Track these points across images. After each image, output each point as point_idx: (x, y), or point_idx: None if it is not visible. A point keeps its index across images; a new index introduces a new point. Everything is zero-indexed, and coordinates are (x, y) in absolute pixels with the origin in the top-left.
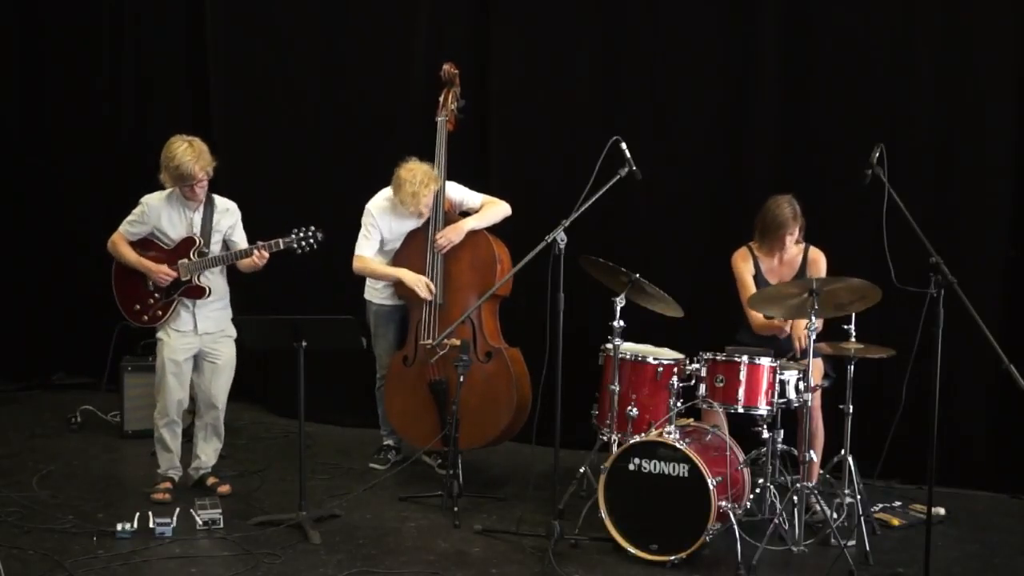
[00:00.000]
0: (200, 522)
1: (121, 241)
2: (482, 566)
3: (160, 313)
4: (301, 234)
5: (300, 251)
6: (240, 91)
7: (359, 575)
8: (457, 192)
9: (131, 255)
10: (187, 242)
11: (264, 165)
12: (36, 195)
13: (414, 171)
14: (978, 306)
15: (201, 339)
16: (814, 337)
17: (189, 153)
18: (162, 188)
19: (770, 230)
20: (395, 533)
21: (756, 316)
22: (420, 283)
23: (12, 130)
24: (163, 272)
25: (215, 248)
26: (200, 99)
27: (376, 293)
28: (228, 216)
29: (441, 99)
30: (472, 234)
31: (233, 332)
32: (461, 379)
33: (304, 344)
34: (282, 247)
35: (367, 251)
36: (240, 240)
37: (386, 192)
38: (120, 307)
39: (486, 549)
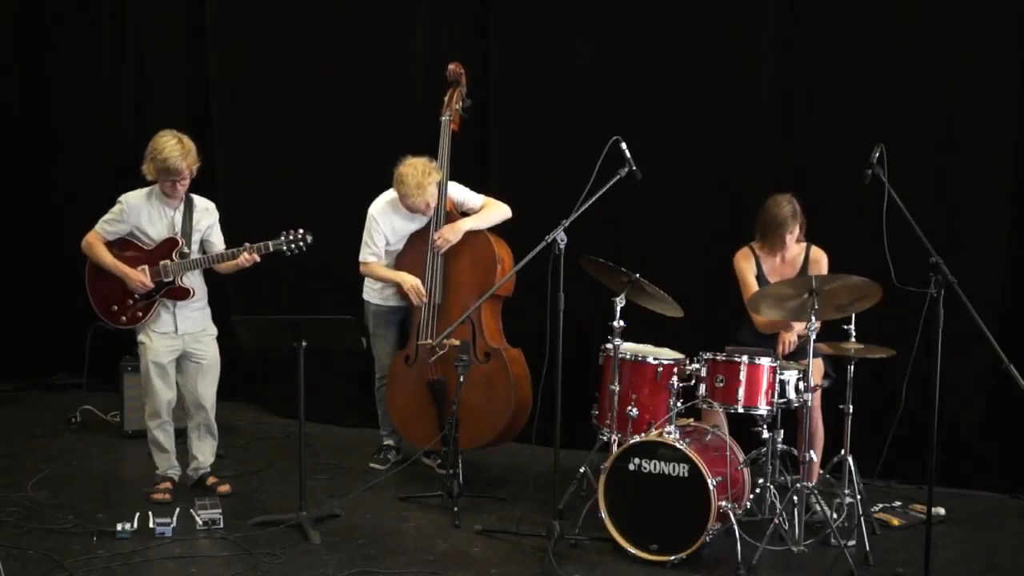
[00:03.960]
0: (200, 522)
1: (97, 242)
2: (482, 566)
3: (140, 314)
4: (290, 236)
5: (289, 253)
6: (240, 91)
7: (359, 575)
8: (459, 193)
9: (108, 258)
10: (169, 243)
11: (264, 165)
12: (36, 195)
13: (414, 164)
14: (978, 306)
15: (183, 339)
16: (814, 337)
17: (178, 149)
18: (141, 186)
19: (770, 229)
20: (395, 533)
21: (761, 316)
22: (412, 288)
23: (11, 130)
24: (140, 280)
25: (194, 248)
26: (200, 99)
27: (374, 293)
28: (207, 215)
29: (446, 99)
30: (473, 234)
31: (215, 331)
32: (461, 379)
33: (304, 344)
34: (271, 249)
35: (370, 258)
36: (217, 241)
37: (386, 195)
38: (95, 308)
39: (486, 549)
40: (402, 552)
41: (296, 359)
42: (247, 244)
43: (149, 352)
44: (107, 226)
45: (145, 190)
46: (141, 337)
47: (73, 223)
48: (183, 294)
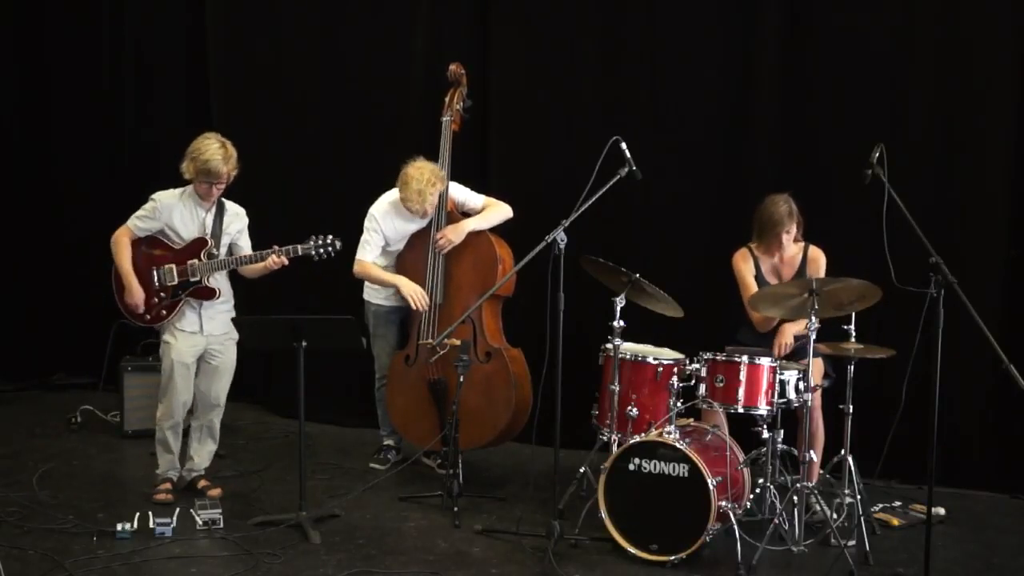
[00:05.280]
0: (200, 522)
1: (124, 240)
2: (482, 566)
3: (164, 312)
4: (320, 242)
5: (317, 259)
6: (240, 91)
7: (359, 575)
8: (459, 193)
9: (124, 263)
10: (198, 243)
11: (264, 166)
12: (36, 195)
13: (422, 169)
14: (978, 306)
15: (207, 340)
16: (814, 337)
17: (220, 152)
18: (166, 185)
19: (766, 229)
20: (395, 533)
21: (758, 316)
22: (415, 294)
23: (11, 130)
24: (136, 302)
25: (222, 250)
26: (200, 99)
27: (375, 293)
28: (238, 220)
29: (447, 99)
30: (474, 234)
31: (236, 335)
32: (461, 379)
33: (304, 344)
34: (300, 253)
35: (368, 256)
36: (245, 245)
37: (389, 196)
38: (120, 305)
39: (486, 549)
40: (402, 552)
41: (296, 359)
42: (275, 247)
43: (173, 351)
44: (139, 223)
45: (178, 190)
46: (166, 337)
47: (74, 223)
48: (209, 294)
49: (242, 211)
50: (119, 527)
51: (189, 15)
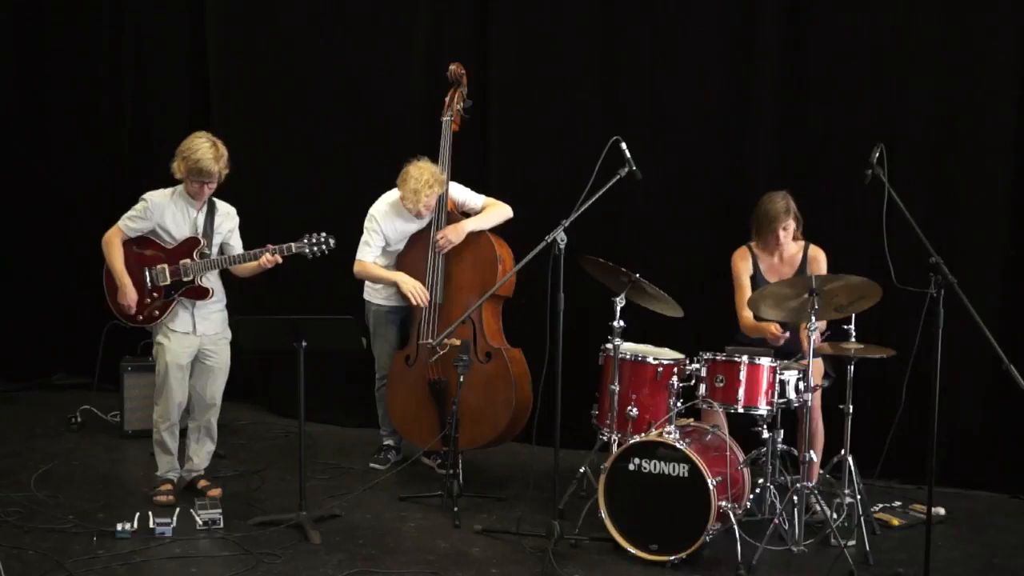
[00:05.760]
0: (200, 522)
1: (116, 240)
2: (482, 566)
3: (157, 313)
4: (313, 239)
5: (311, 256)
6: (240, 91)
7: (359, 575)
8: (460, 193)
9: (117, 263)
10: (191, 242)
11: (264, 165)
12: (35, 195)
13: (423, 169)
14: (978, 306)
15: (200, 340)
16: (815, 337)
17: (211, 152)
18: (165, 184)
19: (763, 224)
20: (395, 533)
21: (747, 317)
22: (415, 290)
23: (11, 130)
24: (129, 302)
25: (213, 250)
26: (200, 99)
27: (376, 293)
28: (229, 220)
29: (447, 99)
30: (474, 234)
31: (230, 335)
32: (461, 379)
33: (304, 344)
34: (294, 251)
35: (368, 257)
36: (236, 245)
37: (389, 196)
38: (111, 305)
39: (486, 549)
40: (402, 552)
41: (296, 359)
42: (269, 245)
43: (168, 353)
44: (130, 223)
45: (168, 190)
46: (159, 338)
47: (74, 223)
48: (202, 294)
49: (233, 210)
50: (119, 527)
51: (189, 14)
